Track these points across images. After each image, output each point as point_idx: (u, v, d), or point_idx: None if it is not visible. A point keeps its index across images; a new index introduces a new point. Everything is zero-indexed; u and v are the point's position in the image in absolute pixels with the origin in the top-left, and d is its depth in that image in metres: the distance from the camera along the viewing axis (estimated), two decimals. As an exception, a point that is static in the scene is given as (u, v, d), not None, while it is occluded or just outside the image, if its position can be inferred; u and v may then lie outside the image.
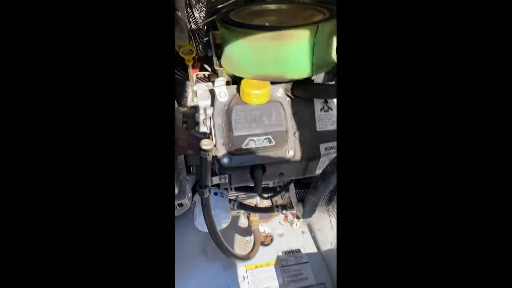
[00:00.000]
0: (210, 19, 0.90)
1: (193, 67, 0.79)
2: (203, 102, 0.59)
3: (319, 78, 0.63)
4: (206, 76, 0.84)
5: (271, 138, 0.51)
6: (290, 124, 0.56)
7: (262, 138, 0.51)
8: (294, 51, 0.45)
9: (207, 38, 0.77)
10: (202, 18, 0.90)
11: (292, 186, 0.67)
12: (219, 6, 0.90)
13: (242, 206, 0.76)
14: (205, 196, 0.54)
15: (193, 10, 0.89)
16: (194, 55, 0.72)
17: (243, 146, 0.51)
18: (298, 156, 0.58)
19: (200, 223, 0.68)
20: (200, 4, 0.87)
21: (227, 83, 0.57)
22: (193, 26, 0.92)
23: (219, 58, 0.59)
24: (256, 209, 0.75)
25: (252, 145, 0.51)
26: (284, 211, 0.77)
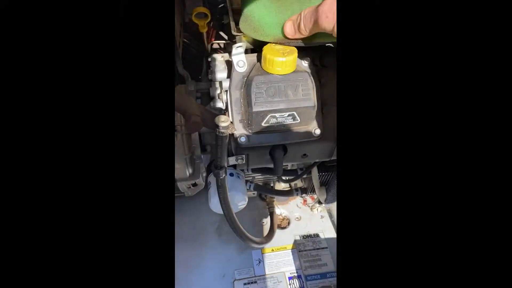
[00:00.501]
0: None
1: (208, 35, 0.72)
2: (219, 74, 0.53)
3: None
4: (223, 46, 0.77)
5: (295, 114, 0.44)
6: (317, 99, 0.49)
7: (286, 114, 0.44)
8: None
9: (222, 5, 0.69)
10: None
11: (315, 169, 0.61)
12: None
13: (259, 187, 0.71)
14: (221, 177, 0.50)
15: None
16: (208, 20, 0.65)
17: (263, 124, 0.45)
18: (324, 136, 0.51)
19: (214, 205, 0.64)
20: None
21: (247, 51, 0.50)
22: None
23: (237, 23, 0.52)
24: (274, 191, 0.71)
25: (273, 122, 0.45)
26: (303, 195, 0.72)
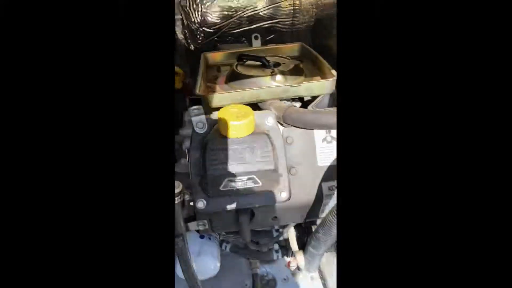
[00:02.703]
0: (208, 40, 0.85)
1: (185, 91, 0.73)
2: (186, 131, 0.51)
3: (322, 101, 0.53)
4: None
5: (255, 178, 0.41)
6: (282, 160, 0.46)
7: (245, 178, 0.41)
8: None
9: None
10: (200, 39, 0.85)
11: (292, 230, 0.56)
12: (218, 26, 0.84)
13: (237, 248, 0.65)
14: (179, 246, 0.45)
15: (191, 30, 0.85)
16: (182, 78, 0.66)
17: (221, 188, 0.42)
18: (294, 199, 0.47)
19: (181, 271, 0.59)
20: (198, 25, 0.82)
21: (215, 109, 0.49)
22: (192, 47, 0.87)
23: (211, 80, 0.52)
24: (251, 252, 0.65)
25: (232, 187, 0.41)
26: (285, 257, 0.65)
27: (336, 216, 0.40)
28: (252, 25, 0.87)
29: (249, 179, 0.41)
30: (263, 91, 0.50)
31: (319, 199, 0.49)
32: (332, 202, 0.50)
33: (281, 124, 0.48)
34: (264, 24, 0.87)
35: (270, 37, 0.89)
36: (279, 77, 0.53)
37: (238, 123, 0.39)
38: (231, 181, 0.41)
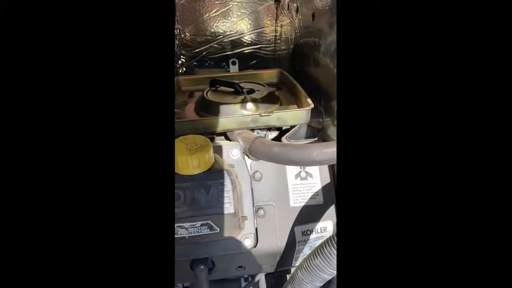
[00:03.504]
0: (187, 63, 0.82)
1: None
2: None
3: (298, 132, 0.48)
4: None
5: (211, 224, 0.35)
6: (248, 199, 0.39)
7: (198, 224, 0.34)
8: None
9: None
10: (180, 62, 0.82)
11: (262, 280, 0.49)
12: (197, 50, 0.82)
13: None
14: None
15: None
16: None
17: (170, 235, 0.35)
18: (263, 245, 0.40)
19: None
20: (177, 48, 0.79)
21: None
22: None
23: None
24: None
25: (183, 234, 0.35)
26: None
27: (308, 271, 0.33)
28: (234, 50, 0.85)
29: (203, 225, 0.34)
30: (231, 120, 0.44)
31: (292, 245, 0.42)
32: (307, 249, 0.43)
33: (249, 157, 0.43)
34: (246, 50, 0.85)
35: (252, 63, 0.86)
36: (250, 105, 0.48)
37: (190, 157, 0.33)
38: (181, 227, 0.34)
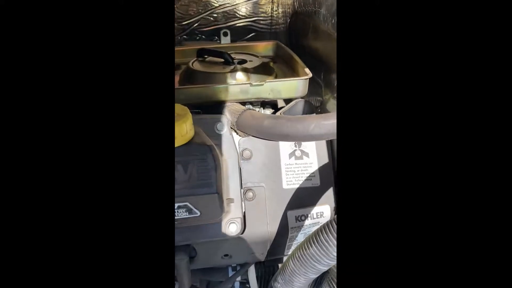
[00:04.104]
0: (176, 36, 0.75)
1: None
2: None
3: (294, 107, 0.43)
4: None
5: (190, 206, 0.30)
6: (235, 180, 0.35)
7: (175, 206, 0.30)
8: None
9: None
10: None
11: (252, 270, 0.44)
12: (187, 22, 0.75)
13: None
14: None
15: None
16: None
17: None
18: (251, 231, 0.36)
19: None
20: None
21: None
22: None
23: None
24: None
25: (157, 217, 0.30)
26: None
27: (301, 261, 0.29)
28: (227, 23, 0.78)
29: (180, 207, 0.30)
30: (217, 89, 0.39)
31: (284, 231, 0.38)
32: (301, 237, 0.39)
33: (237, 133, 0.38)
34: (240, 22, 0.78)
35: (247, 37, 0.80)
36: (240, 74, 0.43)
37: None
38: (155, 209, 0.29)
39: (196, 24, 0.76)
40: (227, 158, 0.35)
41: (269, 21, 0.77)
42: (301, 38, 0.57)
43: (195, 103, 0.40)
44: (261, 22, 0.78)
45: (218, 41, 0.75)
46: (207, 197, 0.30)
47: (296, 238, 0.39)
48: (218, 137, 0.35)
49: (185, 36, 0.77)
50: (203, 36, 0.78)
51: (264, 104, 0.46)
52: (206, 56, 0.51)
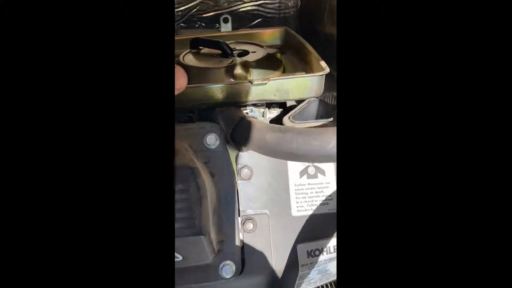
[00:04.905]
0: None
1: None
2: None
3: (305, 110, 0.34)
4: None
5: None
6: (228, 210, 0.27)
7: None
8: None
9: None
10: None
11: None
12: (185, 7, 0.66)
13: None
14: None
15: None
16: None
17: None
18: (249, 272, 0.28)
19: None
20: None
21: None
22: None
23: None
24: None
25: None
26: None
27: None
28: (230, 7, 0.69)
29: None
30: (208, 90, 0.31)
31: (293, 269, 0.30)
32: (314, 274, 0.31)
33: (237, 148, 0.30)
34: (245, 7, 0.69)
35: (253, 23, 0.71)
36: (239, 69, 0.34)
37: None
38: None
39: (195, 10, 0.67)
40: (219, 181, 0.27)
41: (278, 4, 0.68)
42: (315, 23, 0.48)
43: (185, 107, 0.32)
44: (269, 5, 0.68)
45: (220, 28, 0.67)
46: (190, 239, 0.23)
47: (309, 276, 0.32)
48: (208, 153, 0.28)
49: (182, 24, 0.68)
50: (203, 24, 0.69)
51: (269, 103, 0.38)
52: (201, 48, 0.43)
